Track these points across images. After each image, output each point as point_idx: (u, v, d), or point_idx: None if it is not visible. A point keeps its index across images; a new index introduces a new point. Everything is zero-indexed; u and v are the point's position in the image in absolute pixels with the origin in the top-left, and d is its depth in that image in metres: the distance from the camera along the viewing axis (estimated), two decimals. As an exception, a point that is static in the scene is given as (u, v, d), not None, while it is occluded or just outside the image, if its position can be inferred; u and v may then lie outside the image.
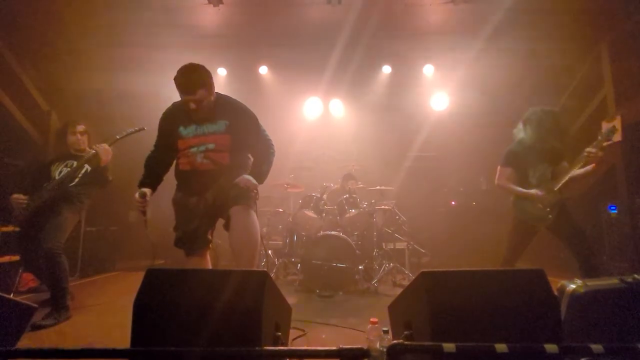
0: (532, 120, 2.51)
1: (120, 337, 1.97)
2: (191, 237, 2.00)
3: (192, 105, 1.89)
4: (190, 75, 1.86)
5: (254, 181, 1.95)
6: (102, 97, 4.78)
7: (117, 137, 2.59)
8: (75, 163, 2.64)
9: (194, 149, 1.95)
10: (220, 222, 2.08)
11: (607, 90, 4.21)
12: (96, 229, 4.40)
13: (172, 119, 2.03)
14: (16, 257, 3.19)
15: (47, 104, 4.59)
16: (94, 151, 2.60)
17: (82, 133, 2.75)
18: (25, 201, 2.50)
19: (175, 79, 1.88)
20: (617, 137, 3.92)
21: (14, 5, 3.75)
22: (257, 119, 2.08)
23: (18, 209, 2.49)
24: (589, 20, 4.02)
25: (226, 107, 2.02)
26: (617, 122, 3.95)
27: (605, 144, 2.28)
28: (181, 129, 1.98)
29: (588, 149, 2.28)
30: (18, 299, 1.58)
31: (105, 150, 2.58)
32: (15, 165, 3.85)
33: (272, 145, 2.13)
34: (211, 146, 1.95)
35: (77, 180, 2.60)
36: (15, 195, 2.52)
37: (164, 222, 2.26)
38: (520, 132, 2.59)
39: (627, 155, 3.90)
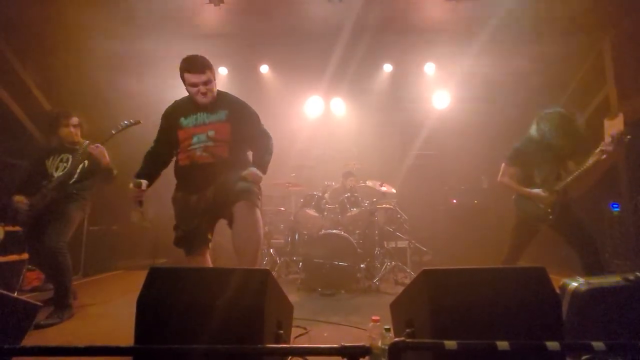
0: (548, 122, 2.46)
1: (124, 335, 1.98)
2: (191, 237, 2.00)
3: (202, 88, 1.95)
4: (197, 58, 1.96)
5: (261, 174, 1.96)
6: (104, 96, 4.79)
7: (113, 132, 2.55)
8: (70, 157, 2.62)
9: (194, 142, 1.96)
10: (222, 221, 2.08)
11: (609, 87, 4.19)
12: (98, 228, 4.42)
13: (174, 113, 2.08)
14: (20, 256, 3.21)
15: (49, 102, 4.60)
16: (87, 142, 2.60)
17: (75, 126, 2.72)
18: (27, 204, 2.49)
19: (181, 66, 1.96)
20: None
21: (15, 5, 3.76)
22: (256, 113, 2.13)
23: (22, 212, 2.49)
24: (591, 18, 4.00)
25: (226, 99, 2.09)
26: (620, 120, 3.93)
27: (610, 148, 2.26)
28: (182, 119, 2.02)
29: (598, 151, 2.26)
30: (22, 297, 1.60)
31: (100, 153, 2.55)
32: (18, 165, 3.86)
33: (271, 138, 2.16)
34: (211, 133, 1.97)
35: (75, 177, 2.59)
36: (17, 198, 2.52)
37: (167, 221, 2.26)
38: (534, 131, 2.54)
39: (630, 153, 3.88)
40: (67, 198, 2.56)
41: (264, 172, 2.01)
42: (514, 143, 2.63)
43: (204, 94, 1.96)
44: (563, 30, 4.14)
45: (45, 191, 2.51)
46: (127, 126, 2.55)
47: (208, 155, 1.96)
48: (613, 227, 3.87)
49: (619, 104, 4.05)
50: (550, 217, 2.39)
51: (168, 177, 2.16)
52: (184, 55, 2.00)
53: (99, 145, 2.57)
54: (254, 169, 1.94)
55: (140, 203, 1.98)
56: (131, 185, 1.94)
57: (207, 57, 2.03)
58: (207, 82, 1.95)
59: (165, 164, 2.13)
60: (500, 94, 4.80)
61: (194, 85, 1.95)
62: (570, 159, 2.48)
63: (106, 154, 2.60)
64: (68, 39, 4.23)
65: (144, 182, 1.97)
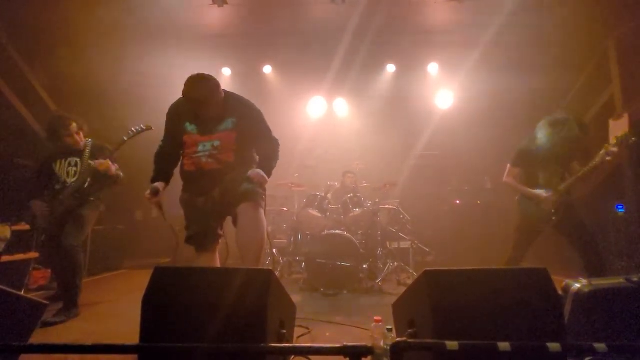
0: (556, 126, 2.43)
1: (129, 333, 2.01)
2: (202, 235, 2.04)
3: (203, 111, 1.96)
4: (198, 92, 1.89)
5: (265, 176, 1.98)
6: (109, 97, 4.84)
7: (125, 138, 2.57)
8: (77, 160, 2.66)
9: (200, 149, 1.97)
10: (229, 218, 2.10)
11: (614, 87, 4.15)
12: (104, 228, 4.46)
13: (179, 113, 2.06)
14: (27, 255, 3.25)
15: (55, 104, 4.66)
16: (90, 141, 2.67)
17: (77, 132, 2.72)
18: (47, 209, 2.55)
19: (183, 92, 1.91)
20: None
21: (21, 7, 3.80)
22: (264, 119, 2.13)
23: (41, 217, 2.54)
24: (596, 17, 3.97)
25: (234, 104, 2.05)
26: (625, 120, 3.90)
27: (615, 149, 2.26)
28: (187, 124, 2.01)
29: (603, 152, 2.26)
30: (29, 296, 1.62)
31: (106, 167, 2.56)
32: (25, 165, 3.91)
33: (279, 145, 2.17)
34: (217, 143, 1.97)
35: (89, 180, 2.63)
36: (37, 204, 2.57)
37: (171, 221, 2.29)
38: (540, 132, 2.52)
39: (635, 154, 3.85)
40: (84, 202, 2.62)
41: (269, 176, 2.02)
42: (518, 144, 2.63)
43: (203, 117, 1.97)
44: (567, 29, 4.11)
45: (62, 198, 2.56)
46: (139, 132, 2.55)
47: (214, 162, 1.97)
48: (618, 228, 3.84)
49: (624, 103, 4.02)
50: (554, 217, 2.38)
51: (172, 177, 2.18)
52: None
53: (100, 161, 2.56)
54: (258, 171, 1.96)
55: (160, 207, 2.04)
56: (147, 193, 1.98)
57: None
58: (206, 113, 1.95)
59: (176, 162, 2.14)
60: (503, 93, 4.78)
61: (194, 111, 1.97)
62: (574, 160, 2.47)
63: (110, 166, 2.60)
64: (74, 41, 4.27)
65: (161, 187, 2.02)
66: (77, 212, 2.57)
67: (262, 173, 1.97)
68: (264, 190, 2.02)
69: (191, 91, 1.88)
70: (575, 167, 2.44)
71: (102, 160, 2.56)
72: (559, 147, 2.42)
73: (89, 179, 2.62)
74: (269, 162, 2.06)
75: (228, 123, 1.99)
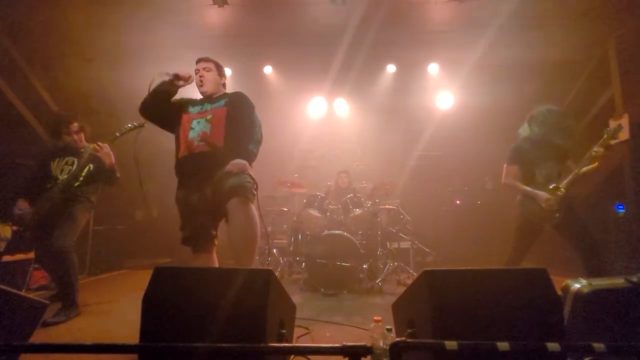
0: (538, 119, 2.49)
1: (129, 333, 2.02)
2: (196, 235, 2.04)
3: (201, 72, 2.15)
4: (202, 57, 2.22)
5: (244, 161, 1.93)
6: (109, 97, 4.84)
7: (117, 134, 2.57)
8: (75, 160, 2.66)
9: (193, 126, 2.07)
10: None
11: (614, 87, 4.15)
12: (104, 228, 4.46)
13: (188, 100, 2.26)
14: (27, 255, 3.25)
15: (55, 104, 4.66)
16: (92, 145, 2.65)
17: (77, 132, 2.71)
18: (30, 209, 2.53)
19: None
20: (625, 136, 3.87)
21: (22, 8, 3.81)
22: (252, 104, 2.21)
23: (26, 216, 2.52)
24: (596, 17, 3.97)
25: (229, 93, 2.25)
26: (625, 120, 3.90)
27: (612, 142, 2.27)
28: (190, 107, 2.20)
29: (595, 149, 2.27)
30: (29, 295, 1.62)
31: (106, 154, 2.59)
32: (26, 165, 3.91)
33: (260, 127, 2.19)
34: (209, 117, 2.09)
35: (81, 179, 2.62)
36: (21, 203, 2.55)
37: (172, 220, 2.29)
38: (525, 131, 2.58)
39: (635, 154, 3.85)
40: (73, 200, 2.59)
41: (250, 161, 1.99)
42: (511, 144, 2.64)
43: (201, 78, 2.15)
44: (568, 29, 4.11)
45: (50, 194, 2.54)
46: (131, 129, 2.56)
47: (204, 145, 2.01)
48: (618, 228, 3.84)
49: (625, 103, 4.02)
50: (557, 215, 2.38)
51: (171, 177, 2.19)
52: (188, 55, 2.10)
53: (106, 145, 2.59)
54: (237, 160, 1.92)
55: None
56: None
57: (210, 57, 2.19)
58: (206, 69, 2.17)
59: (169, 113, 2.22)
60: (504, 94, 4.78)
61: (196, 72, 2.17)
62: (569, 158, 2.48)
63: (112, 155, 2.63)
64: (74, 41, 4.28)
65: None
66: (67, 212, 2.54)
67: (241, 161, 1.93)
68: (253, 180, 1.97)
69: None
70: (570, 165, 2.45)
71: (105, 145, 2.59)
72: (549, 138, 2.43)
73: (81, 177, 2.61)
74: (246, 148, 2.02)
75: (221, 102, 2.15)
